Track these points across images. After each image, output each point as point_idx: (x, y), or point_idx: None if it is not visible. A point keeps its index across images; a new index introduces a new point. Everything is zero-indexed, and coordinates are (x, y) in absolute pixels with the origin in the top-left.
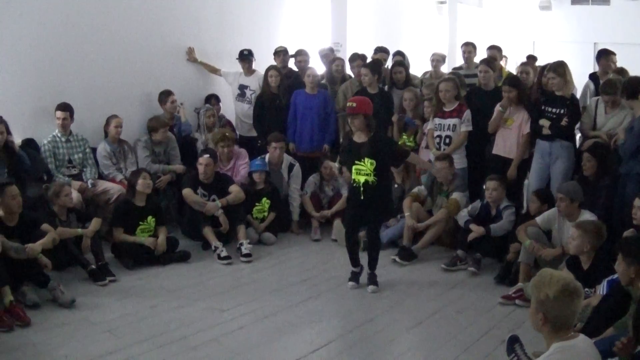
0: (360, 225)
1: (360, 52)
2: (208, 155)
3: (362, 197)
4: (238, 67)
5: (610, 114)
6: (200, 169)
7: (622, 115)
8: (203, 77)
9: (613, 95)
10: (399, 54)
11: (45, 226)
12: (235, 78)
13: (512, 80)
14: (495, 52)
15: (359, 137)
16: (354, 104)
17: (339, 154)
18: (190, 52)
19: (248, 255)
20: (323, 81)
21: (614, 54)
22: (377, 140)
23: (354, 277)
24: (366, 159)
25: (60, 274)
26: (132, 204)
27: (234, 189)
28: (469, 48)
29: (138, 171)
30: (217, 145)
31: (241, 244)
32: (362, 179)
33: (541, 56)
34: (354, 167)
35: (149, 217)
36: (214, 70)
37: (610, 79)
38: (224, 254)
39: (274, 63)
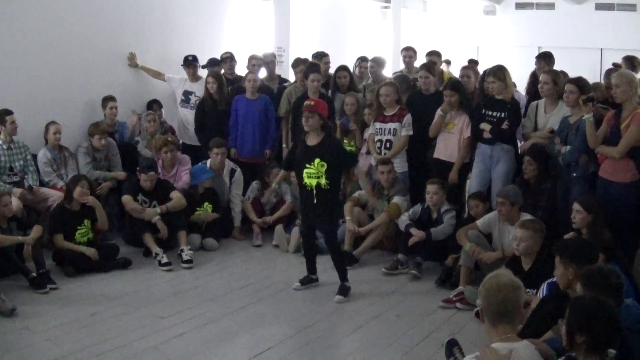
0: (314, 229)
1: (303, 56)
2: (153, 172)
3: (315, 201)
4: (183, 73)
5: (550, 112)
6: (144, 183)
7: (561, 114)
8: (145, 83)
9: (553, 76)
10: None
11: None
12: (180, 84)
13: (454, 85)
14: (434, 58)
15: (311, 140)
16: (312, 103)
17: (284, 158)
18: (131, 57)
19: (189, 261)
20: (286, 84)
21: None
22: (328, 142)
23: (304, 279)
24: (316, 161)
25: (1, 282)
26: (68, 209)
27: (175, 195)
28: (409, 53)
29: (77, 178)
30: (160, 151)
31: (182, 250)
32: (313, 182)
33: (486, 61)
34: (304, 170)
35: (86, 221)
36: (157, 75)
37: (553, 69)
38: (164, 260)
39: (215, 71)
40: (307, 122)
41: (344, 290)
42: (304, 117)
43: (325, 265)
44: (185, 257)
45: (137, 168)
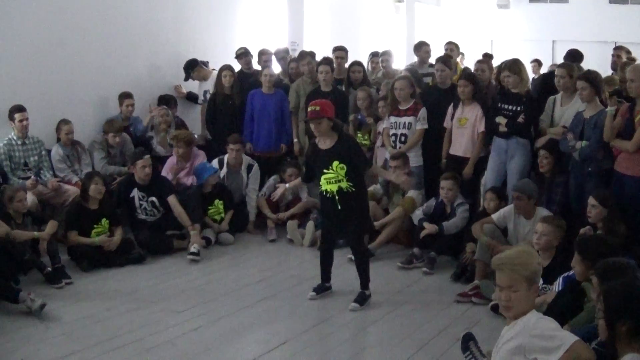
0: (337, 237)
1: (317, 51)
2: (149, 156)
3: (339, 207)
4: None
5: (566, 105)
6: (140, 171)
7: (577, 106)
8: (158, 79)
9: (569, 69)
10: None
11: None
12: (202, 86)
13: (468, 76)
14: (453, 47)
15: (324, 143)
16: (317, 107)
17: (305, 162)
18: (177, 88)
19: (194, 253)
20: (285, 82)
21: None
22: (345, 142)
23: (319, 288)
24: (335, 164)
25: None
26: (85, 207)
27: (173, 201)
28: (427, 48)
29: (91, 175)
30: (174, 145)
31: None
32: (334, 187)
33: (500, 54)
34: (322, 177)
35: (103, 220)
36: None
37: (568, 63)
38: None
39: (230, 64)
40: (316, 130)
41: (362, 299)
42: (312, 126)
43: (341, 259)
44: (192, 249)
45: (129, 165)
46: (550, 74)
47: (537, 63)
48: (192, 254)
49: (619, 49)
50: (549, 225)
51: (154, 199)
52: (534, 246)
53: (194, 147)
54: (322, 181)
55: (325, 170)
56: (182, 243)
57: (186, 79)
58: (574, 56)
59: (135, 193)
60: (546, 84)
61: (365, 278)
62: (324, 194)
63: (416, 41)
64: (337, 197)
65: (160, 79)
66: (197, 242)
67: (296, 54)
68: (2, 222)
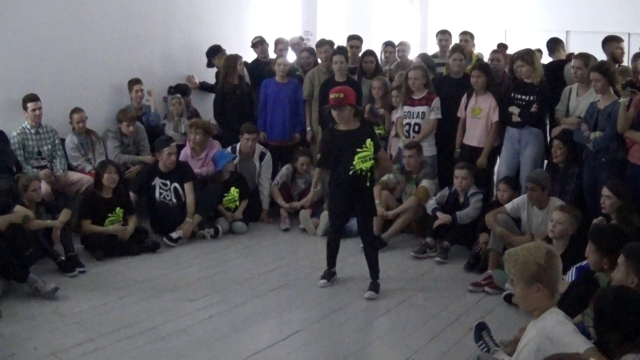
0: (349, 216)
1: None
2: (174, 143)
3: (367, 184)
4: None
5: (582, 96)
6: (166, 159)
7: (592, 97)
8: (171, 66)
9: (585, 60)
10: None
11: (18, 208)
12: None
13: (482, 66)
14: (468, 37)
15: (348, 125)
16: (341, 95)
17: (320, 157)
18: (190, 79)
19: (171, 239)
20: (298, 72)
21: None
22: (368, 126)
23: (327, 275)
24: (368, 142)
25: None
26: (99, 196)
27: (189, 188)
28: (445, 36)
29: (105, 164)
30: (191, 132)
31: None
32: (368, 164)
33: (513, 44)
34: (356, 156)
35: (117, 209)
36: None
37: (585, 53)
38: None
39: (243, 54)
40: (339, 117)
41: (376, 287)
42: (335, 112)
43: (354, 248)
44: (173, 234)
45: (155, 152)
46: (558, 64)
47: (539, 52)
48: (169, 238)
49: (613, 40)
50: (565, 214)
51: (176, 185)
52: (549, 234)
53: (209, 137)
54: (357, 161)
55: (358, 150)
56: (196, 230)
57: (208, 66)
58: (555, 43)
59: (156, 181)
60: (555, 74)
61: (376, 269)
62: (358, 173)
63: (429, 31)
64: (368, 175)
65: (173, 68)
66: (183, 229)
67: (310, 44)
68: (24, 208)
